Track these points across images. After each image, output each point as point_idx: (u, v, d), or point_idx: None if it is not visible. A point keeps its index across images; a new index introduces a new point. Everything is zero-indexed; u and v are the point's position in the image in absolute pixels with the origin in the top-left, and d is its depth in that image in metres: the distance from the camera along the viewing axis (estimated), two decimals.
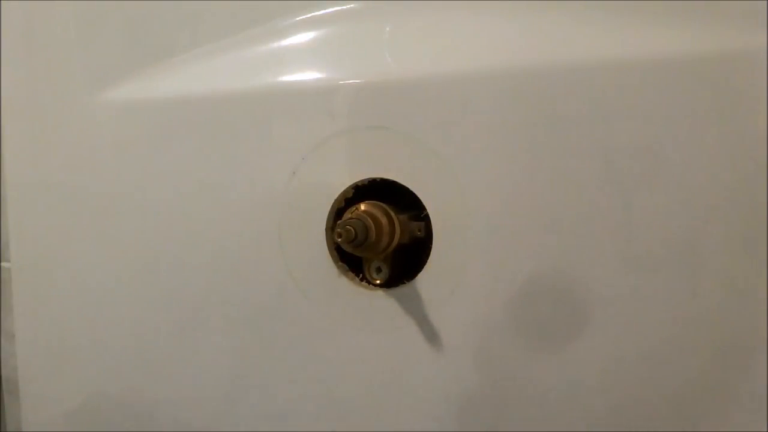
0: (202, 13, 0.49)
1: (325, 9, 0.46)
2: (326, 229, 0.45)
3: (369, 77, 0.43)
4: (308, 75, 0.45)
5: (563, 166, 0.39)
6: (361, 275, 0.45)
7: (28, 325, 0.58)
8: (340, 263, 0.45)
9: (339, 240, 0.39)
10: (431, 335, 0.43)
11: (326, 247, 0.45)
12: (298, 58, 0.46)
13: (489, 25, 0.41)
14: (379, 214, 0.42)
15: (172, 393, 0.51)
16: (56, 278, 0.56)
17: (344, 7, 0.45)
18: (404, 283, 0.44)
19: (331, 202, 0.45)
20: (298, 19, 0.46)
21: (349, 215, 0.43)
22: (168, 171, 0.50)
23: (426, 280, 0.43)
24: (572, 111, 0.38)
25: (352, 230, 0.39)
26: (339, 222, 0.40)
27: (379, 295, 0.44)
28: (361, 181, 0.44)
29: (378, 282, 0.44)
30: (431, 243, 0.42)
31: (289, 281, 0.46)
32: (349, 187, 0.44)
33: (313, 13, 0.46)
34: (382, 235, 0.41)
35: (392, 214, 0.43)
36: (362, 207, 0.43)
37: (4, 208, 0.58)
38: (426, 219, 0.43)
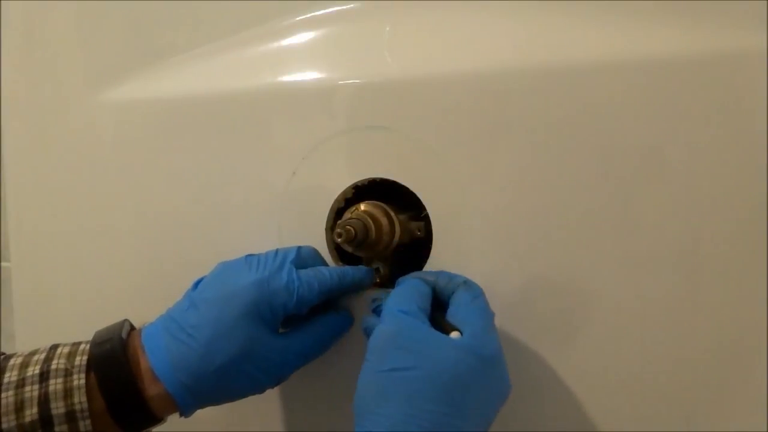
0: (202, 13, 0.49)
1: (325, 9, 0.46)
2: (326, 229, 0.45)
3: (369, 77, 0.43)
4: (308, 75, 0.45)
5: (563, 166, 0.39)
6: None
7: (28, 325, 0.58)
8: (340, 263, 0.45)
9: (339, 240, 0.39)
10: None
11: (326, 247, 0.45)
12: (298, 58, 0.46)
13: (489, 25, 0.41)
14: (379, 214, 0.42)
15: None
16: (56, 278, 0.56)
17: (344, 7, 0.45)
18: None
19: (331, 202, 0.45)
20: (298, 19, 0.46)
21: (349, 215, 0.43)
22: (168, 171, 0.50)
23: None
24: (572, 111, 0.38)
25: (352, 230, 0.39)
26: (339, 222, 0.40)
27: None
28: (361, 181, 0.44)
29: (378, 282, 0.44)
30: (431, 243, 0.42)
31: None
32: (349, 187, 0.44)
33: (313, 13, 0.46)
34: (382, 235, 0.41)
35: (392, 214, 0.43)
36: (362, 207, 0.43)
37: (4, 208, 0.58)
38: (426, 219, 0.43)
